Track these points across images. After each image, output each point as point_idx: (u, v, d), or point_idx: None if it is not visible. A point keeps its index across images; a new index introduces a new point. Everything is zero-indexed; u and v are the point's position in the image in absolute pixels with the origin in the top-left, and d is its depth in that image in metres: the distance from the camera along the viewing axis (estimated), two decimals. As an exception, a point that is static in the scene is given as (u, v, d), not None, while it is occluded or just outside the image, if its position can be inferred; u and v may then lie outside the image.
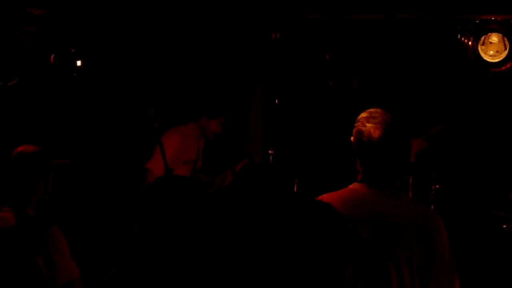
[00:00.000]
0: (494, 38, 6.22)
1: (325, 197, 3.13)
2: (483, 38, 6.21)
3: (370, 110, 3.18)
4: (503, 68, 6.19)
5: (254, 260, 2.01)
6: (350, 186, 3.22)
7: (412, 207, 3.19)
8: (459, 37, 6.31)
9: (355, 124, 3.17)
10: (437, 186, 6.58)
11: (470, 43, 6.22)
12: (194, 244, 2.54)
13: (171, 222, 2.55)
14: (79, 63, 6.42)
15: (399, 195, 3.20)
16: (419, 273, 3.09)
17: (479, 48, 6.20)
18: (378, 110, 3.17)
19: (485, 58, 6.20)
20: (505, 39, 6.18)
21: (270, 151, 6.81)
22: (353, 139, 3.19)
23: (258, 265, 1.98)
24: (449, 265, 3.14)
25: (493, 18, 6.17)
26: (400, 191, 3.27)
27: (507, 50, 6.17)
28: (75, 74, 6.49)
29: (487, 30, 6.18)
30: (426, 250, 3.09)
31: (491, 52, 6.22)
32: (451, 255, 3.16)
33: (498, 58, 6.21)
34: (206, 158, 6.43)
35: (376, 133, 3.10)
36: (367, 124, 3.13)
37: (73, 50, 6.42)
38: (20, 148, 3.71)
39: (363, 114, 3.17)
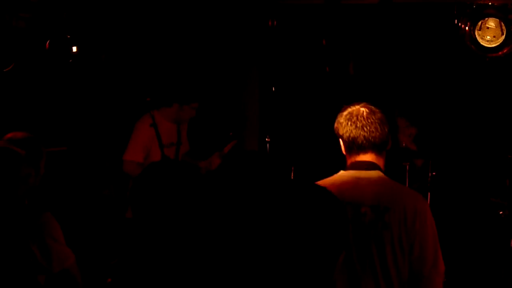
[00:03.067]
0: (491, 23, 6.20)
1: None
2: (480, 23, 6.20)
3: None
4: (500, 53, 6.17)
5: (251, 245, 1.99)
6: (339, 172, 3.38)
7: (394, 190, 3.30)
8: (456, 22, 6.30)
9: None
10: (434, 174, 6.58)
11: (467, 28, 6.21)
12: (191, 230, 2.52)
13: (166, 208, 2.54)
14: (74, 49, 6.39)
15: (382, 179, 3.31)
16: (402, 253, 3.19)
17: (476, 33, 6.19)
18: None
19: (482, 43, 6.19)
20: (502, 24, 6.17)
21: (267, 139, 6.80)
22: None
23: (255, 250, 1.96)
24: (433, 244, 3.24)
25: (490, 3, 6.15)
26: (397, 178, 3.42)
27: (504, 35, 6.16)
28: (70, 60, 6.46)
29: (484, 15, 6.17)
30: (407, 231, 3.18)
31: (488, 37, 6.21)
32: (435, 234, 3.26)
33: (495, 43, 6.20)
34: (194, 142, 6.42)
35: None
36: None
37: (68, 36, 6.39)
38: (9, 135, 3.67)
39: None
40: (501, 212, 6.24)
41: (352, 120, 3.28)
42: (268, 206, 1.96)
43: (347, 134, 3.28)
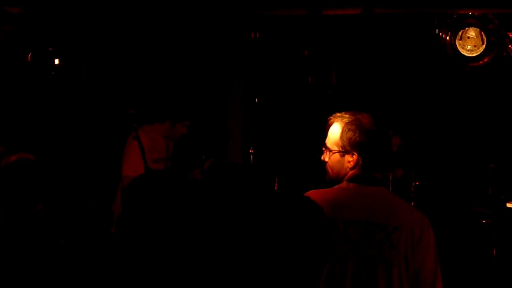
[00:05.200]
0: (472, 32, 6.24)
1: (312, 194, 3.19)
2: (460, 32, 6.24)
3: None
4: (481, 62, 6.21)
5: (235, 255, 1.99)
6: (341, 184, 3.30)
7: (401, 208, 3.28)
8: (437, 32, 6.33)
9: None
10: (417, 183, 6.59)
11: (447, 38, 6.25)
12: (180, 240, 2.52)
13: (157, 216, 2.53)
14: (57, 61, 6.37)
15: (388, 194, 3.33)
16: (407, 272, 3.17)
17: (456, 42, 6.23)
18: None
19: (462, 53, 6.23)
20: (483, 33, 6.21)
21: (250, 150, 6.79)
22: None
23: (238, 260, 1.96)
24: (434, 264, 3.22)
25: (470, 13, 6.19)
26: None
27: (484, 45, 6.20)
28: (53, 73, 6.44)
29: (465, 25, 6.21)
30: (413, 249, 3.17)
31: (469, 46, 6.25)
32: (437, 255, 3.25)
33: (476, 52, 6.24)
34: (175, 158, 6.41)
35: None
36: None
37: (50, 49, 6.38)
38: None
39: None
40: (484, 221, 6.26)
41: (375, 135, 3.27)
42: (248, 217, 1.95)
43: (373, 148, 3.26)
